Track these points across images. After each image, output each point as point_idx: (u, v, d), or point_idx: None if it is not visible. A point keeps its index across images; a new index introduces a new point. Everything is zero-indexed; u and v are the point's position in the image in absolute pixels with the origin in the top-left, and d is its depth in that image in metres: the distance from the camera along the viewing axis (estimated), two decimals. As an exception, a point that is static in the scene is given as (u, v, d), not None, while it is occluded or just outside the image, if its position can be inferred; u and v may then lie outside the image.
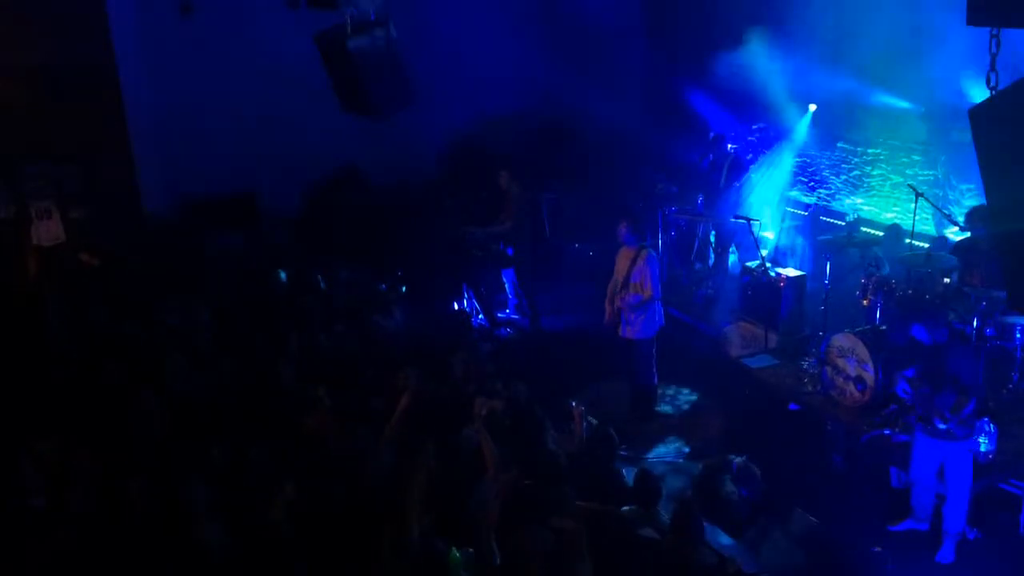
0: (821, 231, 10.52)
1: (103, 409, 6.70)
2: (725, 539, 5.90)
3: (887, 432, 7.38)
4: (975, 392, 6.29)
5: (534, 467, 5.81)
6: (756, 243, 9.92)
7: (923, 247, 9.03)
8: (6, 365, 7.55)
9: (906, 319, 6.49)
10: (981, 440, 6.91)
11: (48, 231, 10.62)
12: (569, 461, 6.13)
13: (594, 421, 7.42)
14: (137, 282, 9.53)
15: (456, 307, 10.80)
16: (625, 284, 8.26)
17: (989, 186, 3.70)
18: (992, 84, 3.90)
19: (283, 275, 9.47)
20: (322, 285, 9.51)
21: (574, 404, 6.87)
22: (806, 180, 11.84)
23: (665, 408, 8.81)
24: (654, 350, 8.53)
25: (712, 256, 11.50)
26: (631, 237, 8.25)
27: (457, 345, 8.17)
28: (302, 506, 5.22)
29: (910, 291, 8.04)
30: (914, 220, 8.93)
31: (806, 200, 11.71)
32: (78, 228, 10.79)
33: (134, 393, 6.70)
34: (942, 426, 6.26)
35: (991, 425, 6.93)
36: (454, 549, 4.82)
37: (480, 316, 10.84)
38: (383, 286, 10.03)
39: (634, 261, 8.20)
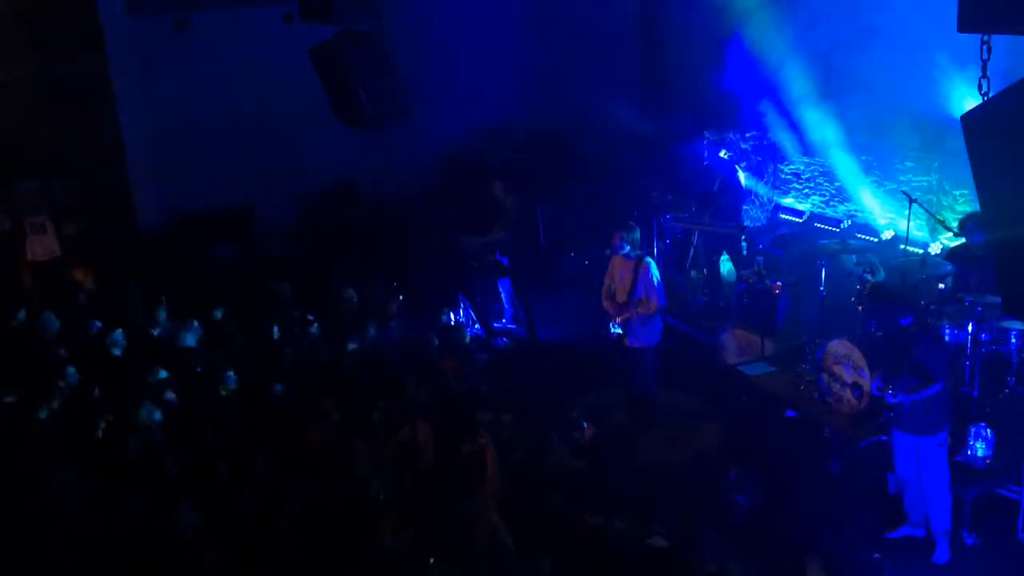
0: (816, 238, 10.54)
1: (98, 423, 6.69)
2: (724, 547, 5.89)
3: (884, 438, 7.37)
4: (938, 379, 6.30)
5: (533, 478, 5.81)
6: (752, 250, 9.93)
7: (917, 253, 9.05)
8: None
9: (872, 306, 6.67)
10: (979, 445, 6.91)
11: (43, 246, 10.62)
12: (569, 472, 6.13)
13: (593, 430, 7.42)
14: (132, 296, 9.50)
15: (452, 318, 10.79)
16: (630, 299, 8.26)
17: (983, 192, 3.71)
18: (984, 90, 3.92)
19: (283, 287, 9.47)
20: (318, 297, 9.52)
21: (586, 425, 6.90)
22: (800, 187, 11.87)
23: (663, 416, 8.79)
24: (658, 358, 8.55)
25: (708, 263, 11.50)
26: (626, 246, 8.25)
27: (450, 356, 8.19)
28: (302, 516, 5.22)
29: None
30: (908, 226, 8.95)
31: (800, 207, 11.74)
32: (73, 242, 10.78)
33: (131, 407, 6.70)
34: (893, 400, 6.29)
35: (988, 430, 6.94)
36: (432, 562, 4.82)
37: (476, 326, 10.82)
38: (379, 297, 10.03)
39: (636, 273, 8.20)
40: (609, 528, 5.54)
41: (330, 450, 6.21)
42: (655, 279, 8.19)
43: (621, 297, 8.34)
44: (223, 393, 7.39)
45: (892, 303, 6.58)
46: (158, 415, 6.78)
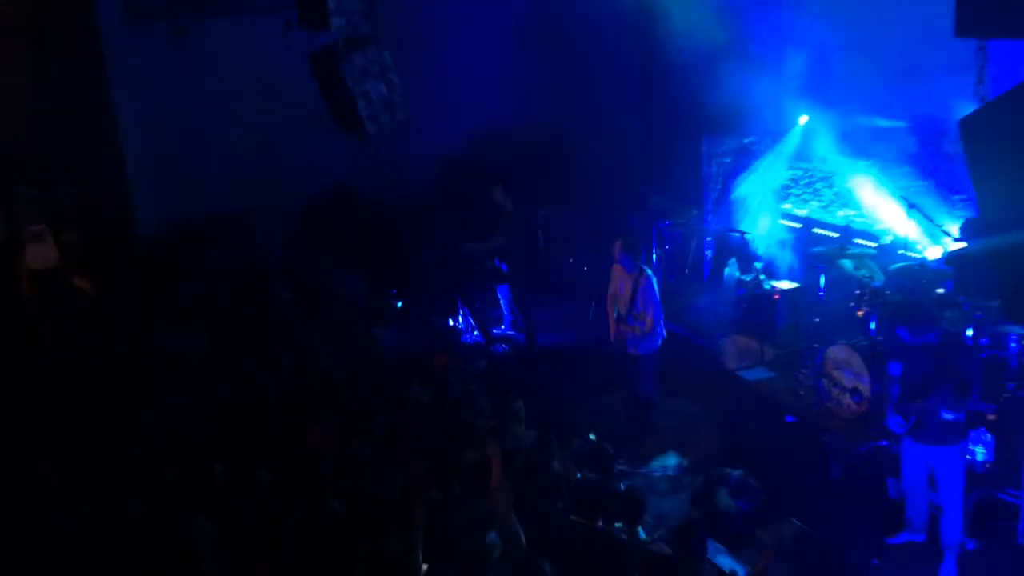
0: (814, 243, 10.55)
1: (99, 432, 6.68)
2: (723, 553, 5.88)
3: (884, 443, 7.38)
4: (974, 386, 6.26)
5: (536, 484, 5.80)
6: (751, 256, 9.92)
7: (916, 258, 9.06)
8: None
9: (892, 322, 6.58)
10: (978, 450, 6.91)
11: (41, 255, 10.60)
12: (569, 477, 6.12)
13: (592, 436, 7.41)
14: (131, 303, 9.51)
15: (451, 323, 10.80)
16: (630, 311, 8.30)
17: (980, 196, 3.72)
18: (981, 94, 3.93)
19: (283, 293, 9.47)
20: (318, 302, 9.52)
21: (592, 437, 6.91)
22: (799, 192, 11.88)
23: (663, 422, 8.80)
24: (657, 365, 8.57)
25: (708, 269, 11.52)
26: (626, 257, 8.28)
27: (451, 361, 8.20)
28: (303, 521, 5.21)
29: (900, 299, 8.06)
30: (907, 231, 8.95)
31: (799, 212, 11.75)
32: (71, 250, 10.77)
33: (132, 415, 6.69)
34: (949, 416, 6.17)
35: (987, 434, 6.93)
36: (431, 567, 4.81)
37: (475, 332, 10.83)
38: (379, 303, 10.03)
39: (636, 286, 8.23)
40: (609, 533, 5.54)
41: (330, 455, 6.20)
42: (652, 294, 8.22)
43: (621, 308, 8.39)
44: (222, 399, 7.38)
45: (926, 320, 6.36)
46: (159, 421, 6.77)
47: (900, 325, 6.30)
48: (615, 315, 8.46)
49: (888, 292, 8.36)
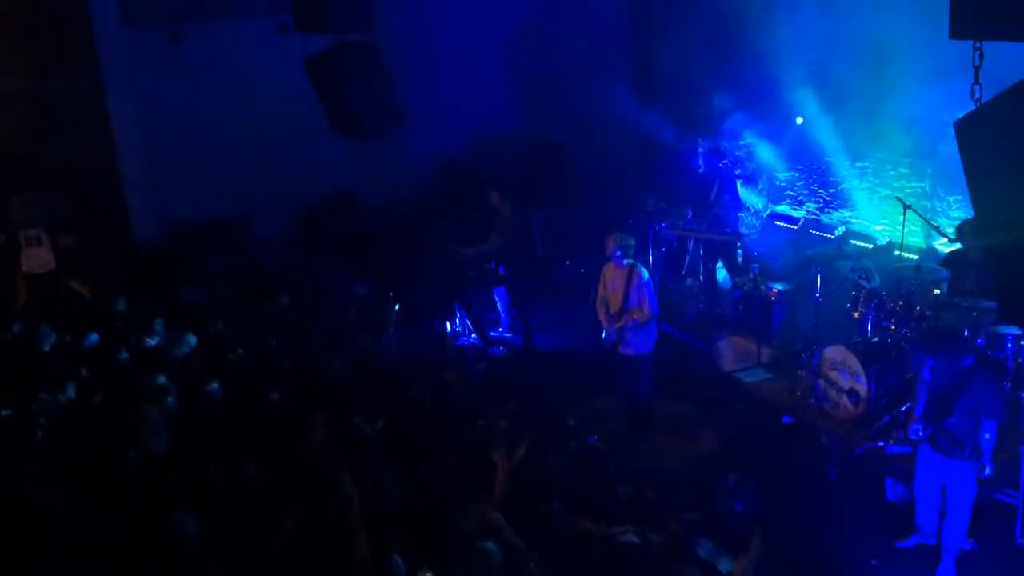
0: (811, 244, 10.57)
1: (98, 435, 6.67)
2: (721, 555, 5.88)
3: (881, 444, 7.39)
4: (995, 417, 6.21)
5: (529, 485, 5.80)
6: (748, 257, 9.92)
7: (912, 259, 9.07)
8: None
9: (922, 351, 6.51)
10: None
11: (38, 259, 10.61)
12: (565, 479, 6.12)
13: (592, 439, 7.41)
14: (129, 306, 9.49)
15: (448, 327, 10.80)
16: (624, 308, 8.27)
17: (976, 198, 3.72)
18: (976, 96, 3.93)
19: (283, 299, 9.46)
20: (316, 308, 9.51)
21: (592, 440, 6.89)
22: (794, 194, 11.91)
23: (660, 424, 8.80)
24: (653, 366, 8.55)
25: (704, 271, 11.52)
26: (618, 252, 8.27)
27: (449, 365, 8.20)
28: (302, 525, 5.21)
29: (900, 303, 8.07)
30: (903, 232, 8.98)
31: (795, 213, 11.77)
32: (68, 255, 10.77)
33: (130, 417, 6.68)
34: (968, 453, 6.17)
35: (986, 435, 6.92)
36: (424, 572, 4.80)
37: (473, 335, 10.83)
38: (378, 306, 10.03)
39: (628, 282, 8.21)
40: (604, 534, 5.53)
41: (329, 457, 6.19)
42: (648, 287, 8.20)
43: (614, 306, 8.36)
44: (217, 404, 7.36)
45: (956, 344, 6.34)
46: (157, 422, 6.76)
47: (925, 352, 6.27)
48: (605, 312, 8.45)
49: (884, 293, 8.38)
